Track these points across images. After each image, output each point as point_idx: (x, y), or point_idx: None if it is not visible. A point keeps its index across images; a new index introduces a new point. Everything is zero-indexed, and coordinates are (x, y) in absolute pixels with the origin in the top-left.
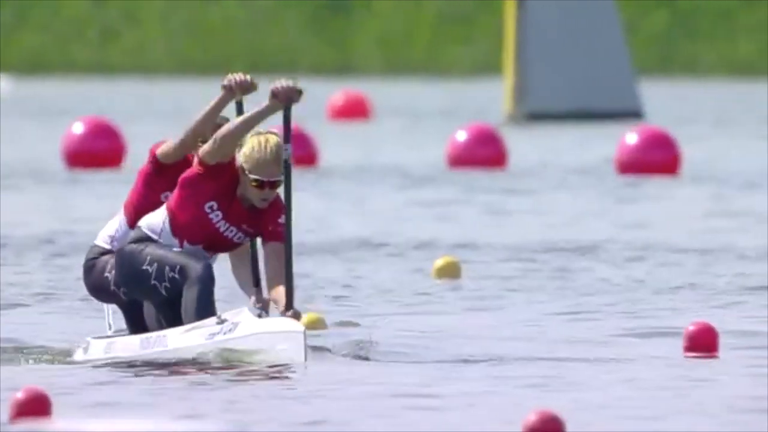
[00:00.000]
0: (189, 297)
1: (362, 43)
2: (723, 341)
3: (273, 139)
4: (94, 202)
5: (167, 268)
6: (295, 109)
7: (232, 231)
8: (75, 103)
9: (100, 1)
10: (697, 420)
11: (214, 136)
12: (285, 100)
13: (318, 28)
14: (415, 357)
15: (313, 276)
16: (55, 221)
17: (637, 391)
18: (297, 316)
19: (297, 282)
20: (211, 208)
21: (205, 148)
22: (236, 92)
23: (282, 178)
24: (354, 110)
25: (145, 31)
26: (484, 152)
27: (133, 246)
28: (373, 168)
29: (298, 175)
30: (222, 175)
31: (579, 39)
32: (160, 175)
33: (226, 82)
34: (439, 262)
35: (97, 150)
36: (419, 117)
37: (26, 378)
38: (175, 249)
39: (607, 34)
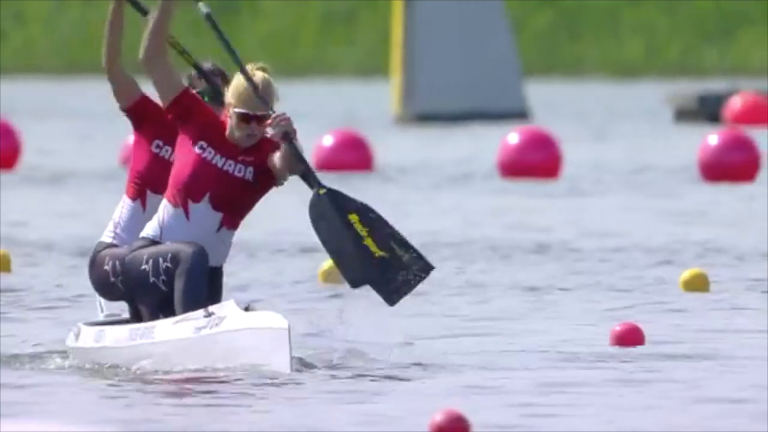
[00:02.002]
0: (178, 286)
1: (249, 43)
2: (648, 340)
3: (260, 75)
4: None
5: (160, 259)
6: None
7: (231, 165)
8: None
9: None
10: (606, 421)
11: (142, 61)
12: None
13: (204, 28)
14: (317, 360)
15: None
16: None
17: (549, 392)
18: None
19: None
20: (201, 147)
21: (155, 86)
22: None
23: (270, 112)
24: None
25: (32, 31)
26: (350, 157)
27: (136, 252)
28: None
29: None
30: (195, 115)
31: (466, 39)
32: (142, 125)
33: None
34: (325, 265)
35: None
36: (309, 117)
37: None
38: (168, 243)
39: (495, 35)
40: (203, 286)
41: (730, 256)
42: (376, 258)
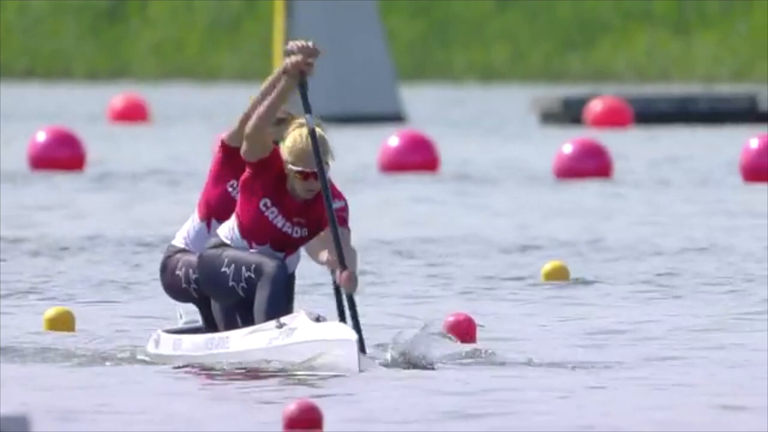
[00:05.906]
0: (260, 297)
1: (139, 48)
2: (480, 330)
3: (317, 131)
4: None
5: (243, 268)
6: (74, 115)
7: (289, 227)
8: None
9: None
10: (452, 419)
11: (245, 133)
12: (297, 75)
13: (95, 34)
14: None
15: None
16: None
17: (404, 384)
18: (353, 279)
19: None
20: (265, 205)
21: (243, 147)
22: (294, 75)
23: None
24: (133, 113)
25: None
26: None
27: (213, 251)
28: (145, 170)
29: (73, 178)
30: (269, 171)
31: (343, 45)
32: (228, 164)
33: (284, 67)
34: None
35: None
36: (195, 120)
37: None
38: (251, 251)
39: (370, 41)
40: (284, 299)
41: (592, 250)
42: None
